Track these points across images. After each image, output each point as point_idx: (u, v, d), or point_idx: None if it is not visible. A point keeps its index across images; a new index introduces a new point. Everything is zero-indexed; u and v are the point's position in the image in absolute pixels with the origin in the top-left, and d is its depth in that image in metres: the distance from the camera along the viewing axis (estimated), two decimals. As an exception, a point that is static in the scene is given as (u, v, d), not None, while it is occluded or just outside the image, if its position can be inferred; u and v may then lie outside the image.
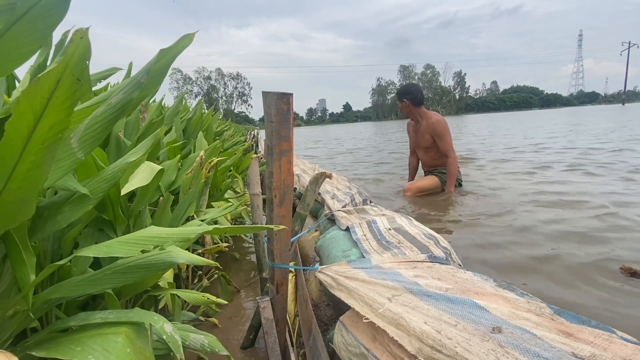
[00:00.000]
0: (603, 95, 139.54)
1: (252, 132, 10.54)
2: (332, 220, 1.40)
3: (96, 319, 0.60)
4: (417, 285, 0.68)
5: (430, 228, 1.13)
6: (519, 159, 4.46)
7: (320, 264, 1.21)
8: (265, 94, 0.74)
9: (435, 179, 2.54)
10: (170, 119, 1.79)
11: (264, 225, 0.65)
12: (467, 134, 10.17)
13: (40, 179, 0.41)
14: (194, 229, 0.62)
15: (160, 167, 1.12)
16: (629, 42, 58.78)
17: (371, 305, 0.64)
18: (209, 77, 68.25)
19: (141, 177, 1.08)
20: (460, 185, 2.66)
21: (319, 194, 1.69)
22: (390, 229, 1.07)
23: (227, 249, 1.95)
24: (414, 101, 2.52)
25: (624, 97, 59.06)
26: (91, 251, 0.59)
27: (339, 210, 1.39)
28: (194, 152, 1.97)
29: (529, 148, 5.68)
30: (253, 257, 2.24)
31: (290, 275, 1.26)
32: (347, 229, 1.14)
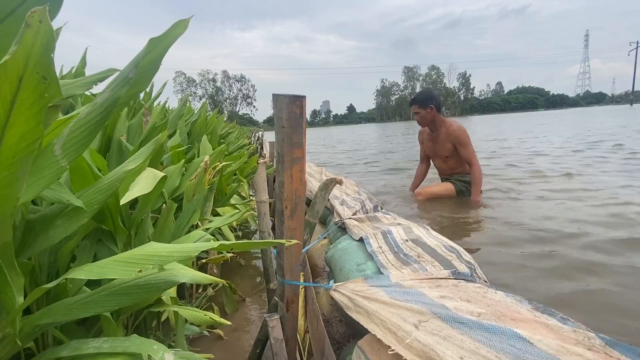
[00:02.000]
0: (610, 95, 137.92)
1: (257, 135, 10.50)
2: (342, 228, 1.33)
3: (89, 348, 0.53)
4: (445, 309, 0.61)
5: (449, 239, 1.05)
6: (556, 169, 3.77)
7: (332, 277, 1.14)
8: (276, 97, 0.68)
9: (449, 186, 2.42)
10: (174, 122, 1.74)
11: (275, 240, 0.58)
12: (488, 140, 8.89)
13: (14, 197, 0.35)
14: (196, 246, 0.56)
15: (163, 174, 1.06)
16: (637, 42, 58.05)
17: (395, 332, 0.57)
18: (213, 80, 68.58)
19: (143, 184, 1.02)
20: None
21: (327, 199, 1.62)
22: (407, 240, 0.99)
23: (232, 255, 1.88)
24: (439, 107, 2.37)
25: (632, 97, 58.21)
26: (83, 272, 0.53)
27: (349, 218, 1.32)
28: (199, 157, 1.92)
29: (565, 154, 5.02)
30: (259, 263, 2.18)
31: (300, 287, 1.19)
32: (361, 240, 1.07)
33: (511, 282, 1.24)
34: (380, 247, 0.96)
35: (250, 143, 8.63)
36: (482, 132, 12.77)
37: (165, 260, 0.50)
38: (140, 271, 0.56)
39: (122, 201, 0.92)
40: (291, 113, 0.67)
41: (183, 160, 1.51)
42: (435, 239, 1.01)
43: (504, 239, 1.68)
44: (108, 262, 0.56)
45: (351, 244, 1.08)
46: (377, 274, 0.86)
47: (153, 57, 0.60)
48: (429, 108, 2.34)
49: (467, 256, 0.94)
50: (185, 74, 66.06)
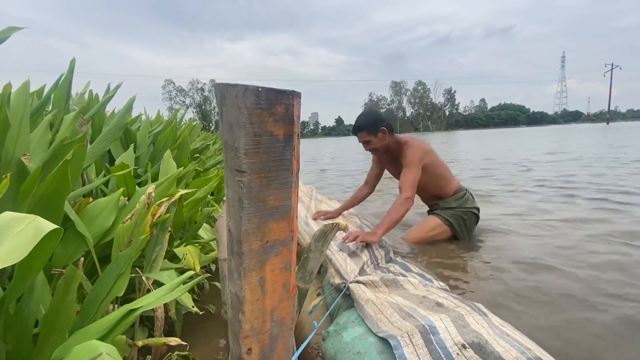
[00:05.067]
0: (586, 114, 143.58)
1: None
2: (347, 294, 0.92)
3: None
4: None
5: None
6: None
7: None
8: (222, 91, 0.27)
9: (436, 222, 1.88)
10: (113, 134, 1.30)
11: None
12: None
13: None
14: None
15: (54, 226, 0.62)
16: (612, 64, 60.78)
17: None
18: (202, 89, 67.88)
19: (11, 247, 0.58)
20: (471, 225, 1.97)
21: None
22: (465, 347, 0.58)
23: (194, 307, 1.42)
24: (391, 128, 1.80)
25: (609, 116, 60.58)
26: None
27: (357, 282, 0.90)
28: (157, 180, 1.46)
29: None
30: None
31: None
32: (384, 338, 0.65)
33: None
34: (424, 367, 0.55)
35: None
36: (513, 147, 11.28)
37: None
38: None
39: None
40: (262, 134, 0.26)
41: (120, 190, 1.07)
42: (507, 341, 0.60)
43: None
44: None
45: (368, 343, 0.65)
46: None
47: None
48: (381, 132, 1.75)
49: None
50: (174, 83, 65.14)
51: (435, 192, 1.93)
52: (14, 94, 0.95)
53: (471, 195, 1.96)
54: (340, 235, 1.34)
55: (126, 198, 1.18)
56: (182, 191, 1.21)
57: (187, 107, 63.75)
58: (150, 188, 0.99)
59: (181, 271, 1.44)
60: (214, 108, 69.52)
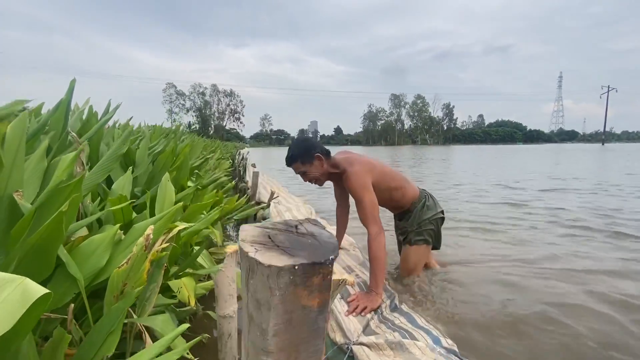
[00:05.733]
0: (582, 134, 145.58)
1: (242, 153, 9.97)
2: (350, 356, 0.87)
3: None
4: None
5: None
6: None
7: None
8: (251, 264, 0.23)
9: (411, 250, 1.79)
10: (109, 166, 1.26)
11: None
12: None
13: None
14: None
15: (45, 290, 0.58)
16: (608, 86, 61.93)
17: None
18: (203, 93, 67.92)
19: (-6, 317, 0.53)
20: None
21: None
22: None
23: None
24: (325, 153, 1.60)
25: (604, 137, 61.44)
26: None
27: (362, 344, 0.85)
28: (155, 215, 1.41)
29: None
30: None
31: None
32: None
33: None
34: None
35: (232, 165, 8.04)
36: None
37: None
38: None
39: None
40: (294, 310, 0.23)
41: (117, 226, 1.02)
42: None
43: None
44: None
45: None
46: None
47: None
48: (316, 159, 1.57)
49: None
50: (175, 87, 65.01)
51: (393, 204, 1.81)
52: (11, 128, 0.91)
53: (431, 198, 1.84)
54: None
55: (122, 232, 1.13)
56: (181, 226, 1.17)
57: (187, 111, 63.62)
58: (149, 229, 0.95)
59: (176, 305, 1.38)
60: (214, 112, 69.56)
